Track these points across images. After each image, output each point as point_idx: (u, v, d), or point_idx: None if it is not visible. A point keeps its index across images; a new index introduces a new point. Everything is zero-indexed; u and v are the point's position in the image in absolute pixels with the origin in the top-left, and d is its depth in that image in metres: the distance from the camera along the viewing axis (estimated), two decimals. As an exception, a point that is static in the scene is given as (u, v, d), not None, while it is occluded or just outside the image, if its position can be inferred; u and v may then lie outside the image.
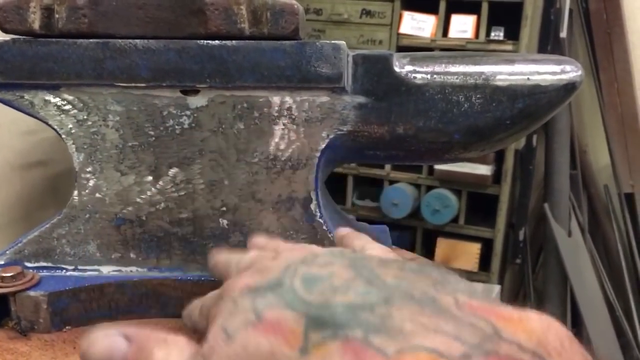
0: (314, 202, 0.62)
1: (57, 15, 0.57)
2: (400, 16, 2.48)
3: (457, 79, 0.60)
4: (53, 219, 0.63)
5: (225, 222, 0.63)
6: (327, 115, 0.61)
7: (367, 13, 2.51)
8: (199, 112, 0.61)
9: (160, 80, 0.59)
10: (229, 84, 0.59)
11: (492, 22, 2.40)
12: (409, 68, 0.61)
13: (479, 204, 2.53)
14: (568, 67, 0.62)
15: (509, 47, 2.35)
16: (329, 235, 0.62)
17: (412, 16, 2.48)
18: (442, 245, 2.54)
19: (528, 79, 0.61)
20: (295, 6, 0.58)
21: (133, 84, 0.59)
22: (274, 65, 0.59)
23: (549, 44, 2.46)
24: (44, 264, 0.63)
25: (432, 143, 0.62)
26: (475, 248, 2.52)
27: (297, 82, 0.59)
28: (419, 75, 0.60)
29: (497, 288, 2.32)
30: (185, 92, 0.61)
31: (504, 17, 2.41)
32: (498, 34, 2.40)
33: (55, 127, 0.61)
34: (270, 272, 0.35)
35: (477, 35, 2.41)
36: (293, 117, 0.61)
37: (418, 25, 2.48)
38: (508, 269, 2.72)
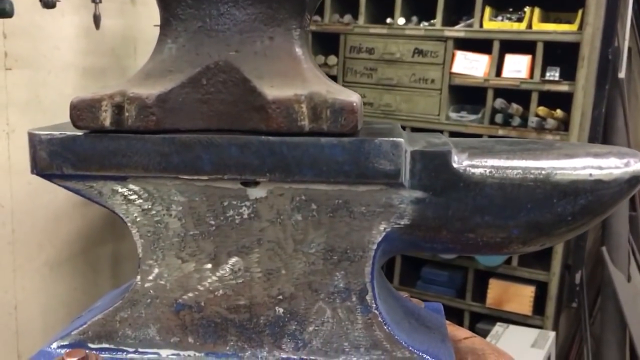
0: (370, 293, 0.63)
1: (127, 114, 0.59)
2: (453, 55, 2.47)
3: (516, 174, 0.60)
4: (116, 303, 0.65)
5: (281, 310, 0.64)
6: (384, 209, 0.61)
7: (420, 52, 2.52)
8: (259, 203, 0.62)
9: (222, 173, 0.61)
10: (288, 177, 0.61)
11: (548, 62, 2.36)
12: (467, 163, 0.60)
13: (532, 245, 2.47)
14: (632, 161, 0.61)
15: (564, 87, 2.31)
16: (384, 327, 0.62)
17: (465, 55, 2.47)
18: (495, 287, 2.48)
19: (590, 174, 0.59)
20: (355, 104, 0.59)
21: (196, 177, 0.61)
22: (333, 160, 0.60)
23: (607, 83, 2.40)
24: (107, 345, 0.65)
25: (490, 238, 0.61)
26: (529, 291, 2.45)
27: (354, 178, 0.60)
28: (477, 171, 0.60)
29: (552, 335, 2.25)
30: (246, 184, 0.62)
31: (560, 57, 2.37)
32: (553, 74, 2.36)
33: (122, 215, 0.63)
34: None
35: (531, 75, 2.38)
36: (350, 210, 0.61)
37: (471, 64, 2.46)
38: (563, 312, 2.64)
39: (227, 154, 0.60)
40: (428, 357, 0.62)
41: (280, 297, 0.64)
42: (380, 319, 0.63)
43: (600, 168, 0.60)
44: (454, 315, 2.43)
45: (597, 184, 0.60)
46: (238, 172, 0.61)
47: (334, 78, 2.57)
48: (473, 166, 0.60)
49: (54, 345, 0.65)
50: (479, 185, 0.60)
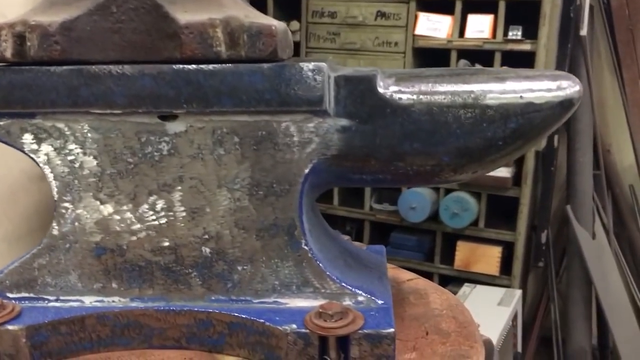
0: (299, 228, 0.60)
1: (28, 43, 0.55)
2: (416, 17, 2.44)
3: (444, 98, 0.57)
4: (33, 249, 0.61)
5: (207, 250, 0.61)
6: (309, 140, 0.58)
7: (382, 15, 2.48)
8: (178, 137, 0.59)
9: (137, 106, 0.58)
10: (207, 108, 0.58)
11: (510, 22, 2.34)
12: (394, 88, 0.58)
13: (499, 206, 2.48)
14: (564, 83, 0.58)
15: (527, 46, 2.30)
16: (315, 263, 0.60)
17: (428, 17, 2.43)
18: (462, 249, 2.49)
19: (521, 97, 0.57)
20: (273, 27, 0.56)
21: (109, 111, 0.58)
22: (253, 88, 0.57)
23: (569, 42, 2.40)
24: (26, 294, 0.61)
25: (420, 166, 0.59)
26: (496, 251, 2.46)
27: (277, 106, 0.57)
28: (404, 96, 0.58)
29: (518, 293, 2.27)
30: (164, 118, 0.59)
31: (522, 16, 2.35)
32: (516, 33, 2.34)
33: (32, 155, 0.60)
34: None
35: (494, 35, 2.36)
36: (275, 141, 0.59)
37: (434, 26, 2.43)
38: (530, 272, 2.66)
39: (140, 86, 0.57)
40: (361, 292, 0.60)
41: (206, 236, 0.61)
42: (310, 254, 0.60)
43: (532, 90, 0.58)
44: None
45: (528, 107, 0.57)
46: (153, 105, 0.58)
47: (297, 44, 2.52)
48: (400, 91, 0.58)
49: (-31, 296, 0.62)
50: (407, 110, 0.57)
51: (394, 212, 2.58)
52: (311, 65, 0.56)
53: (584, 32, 2.34)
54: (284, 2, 2.62)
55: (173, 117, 0.59)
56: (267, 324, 0.58)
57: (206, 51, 0.56)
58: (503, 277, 2.47)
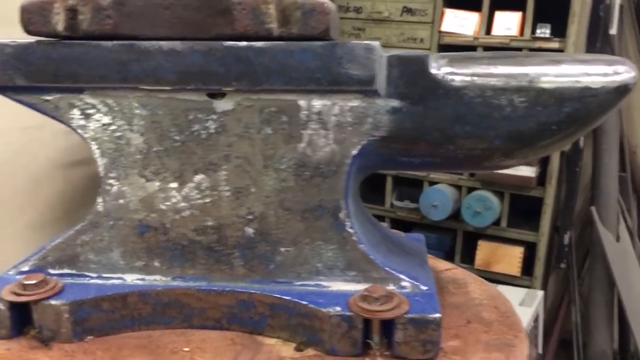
0: (344, 210, 0.59)
1: (81, 17, 0.55)
2: (442, 14, 2.42)
3: (498, 81, 0.56)
4: (77, 226, 0.61)
5: (251, 230, 0.60)
6: (359, 120, 0.57)
7: (408, 11, 2.46)
8: (225, 116, 0.58)
9: (186, 83, 0.57)
10: (256, 87, 0.57)
11: (538, 19, 2.31)
12: (446, 70, 0.57)
13: (522, 206, 2.45)
14: (621, 68, 0.57)
15: (555, 44, 2.27)
16: (359, 247, 0.59)
17: (455, 13, 2.41)
18: (483, 249, 2.47)
19: (577, 81, 0.56)
20: (326, 5, 0.55)
21: (158, 87, 0.57)
22: (303, 67, 0.56)
23: (598, 41, 2.36)
24: (68, 271, 0.61)
25: (471, 150, 0.58)
26: (517, 252, 2.43)
27: (327, 85, 0.56)
28: (457, 78, 0.57)
29: (540, 294, 2.24)
30: (212, 96, 0.58)
31: (551, 13, 2.32)
32: (544, 31, 2.32)
33: (80, 131, 0.59)
34: None
35: (522, 32, 2.33)
36: (323, 121, 0.58)
37: (460, 22, 2.41)
38: (552, 273, 2.63)
39: (190, 62, 0.57)
40: (405, 277, 0.59)
41: (250, 216, 0.60)
42: (355, 237, 0.60)
43: (588, 75, 0.57)
44: (443, 277, 2.42)
45: (584, 91, 0.56)
46: (202, 82, 0.57)
47: (320, 38, 2.51)
48: (453, 73, 0.57)
49: (12, 271, 0.62)
50: (459, 92, 0.56)
51: (415, 210, 2.56)
52: (364, 44, 0.55)
53: (613, 31, 2.31)
54: (310, -4, 2.61)
55: (221, 95, 0.58)
56: (310, 305, 0.57)
57: (258, 28, 0.55)
58: (524, 277, 2.44)
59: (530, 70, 0.56)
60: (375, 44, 0.55)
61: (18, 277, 0.61)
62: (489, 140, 0.57)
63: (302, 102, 0.57)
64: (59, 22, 0.55)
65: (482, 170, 2.23)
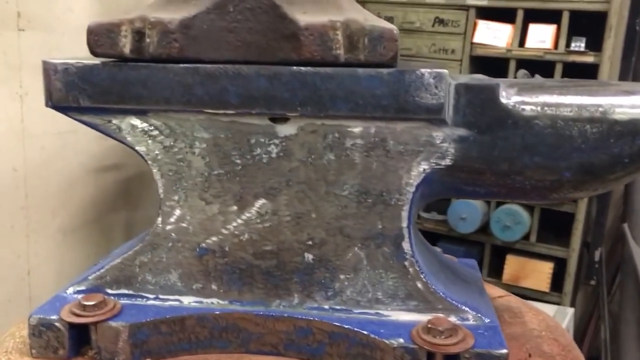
0: (406, 239, 0.58)
1: (148, 40, 0.55)
2: (475, 25, 2.40)
3: (570, 111, 0.55)
4: (136, 246, 0.61)
5: (310, 256, 0.59)
6: (424, 148, 0.57)
7: (440, 22, 2.45)
8: (288, 140, 0.58)
9: (250, 107, 0.57)
10: (321, 112, 0.56)
11: (573, 32, 2.29)
12: (516, 99, 0.56)
13: (552, 221, 2.42)
14: (697, 100, 0.55)
15: (590, 58, 2.24)
16: (421, 276, 0.58)
17: (487, 25, 2.39)
18: (512, 263, 2.44)
19: (651, 112, 0.54)
20: (395, 31, 0.54)
21: (222, 111, 0.57)
22: (370, 94, 0.55)
23: (634, 55, 2.33)
24: (125, 291, 0.61)
25: (539, 181, 0.56)
26: (547, 267, 2.40)
27: (393, 113, 0.55)
28: (527, 107, 0.55)
29: (570, 311, 2.21)
30: (275, 120, 0.58)
31: (586, 27, 2.29)
32: (579, 44, 2.29)
33: (142, 152, 0.59)
34: None
35: (556, 45, 2.30)
36: (387, 148, 0.57)
37: (493, 34, 2.39)
38: (581, 290, 2.59)
39: (255, 86, 0.56)
40: (467, 308, 0.58)
41: (310, 242, 0.59)
42: (416, 267, 0.59)
43: (662, 106, 0.55)
44: (471, 291, 2.39)
45: (658, 124, 0.55)
46: (267, 107, 0.57)
47: (351, 47, 2.51)
48: (523, 102, 0.55)
49: (70, 290, 0.61)
50: (529, 122, 0.55)
51: (442, 222, 2.54)
52: (433, 72, 0.54)
53: (650, 45, 2.27)
54: (341, 5, 2.60)
55: (284, 120, 0.58)
56: (372, 336, 0.56)
57: (325, 54, 0.55)
58: (553, 293, 2.41)
59: (603, 101, 0.55)
60: (444, 71, 0.54)
61: (75, 295, 0.61)
62: (559, 171, 0.56)
63: (367, 129, 0.57)
64: (126, 45, 0.55)
65: (548, 202, 2.20)
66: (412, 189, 0.58)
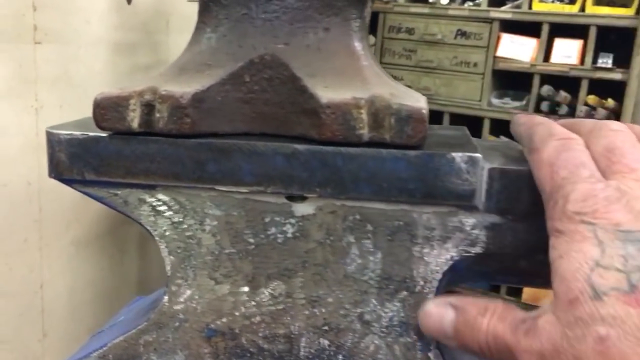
0: (430, 328, 0.54)
1: (157, 115, 0.51)
2: (498, 38, 2.34)
3: (614, 201, 0.50)
4: (140, 324, 0.57)
5: (326, 342, 0.55)
6: (452, 235, 0.52)
7: (463, 34, 2.39)
8: (305, 220, 0.54)
9: (265, 185, 0.53)
10: (342, 194, 0.52)
11: (601, 48, 2.22)
12: (554, 185, 0.51)
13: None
14: None
15: (618, 75, 2.17)
16: (445, 370, 0.54)
17: (512, 38, 2.33)
18: (530, 283, 2.38)
19: None
20: (424, 111, 0.50)
21: (235, 189, 0.53)
22: (395, 177, 0.51)
23: (664, 73, 2.25)
24: (129, 371, 0.58)
25: (578, 274, 0.52)
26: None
27: (420, 197, 0.51)
28: (567, 196, 0.50)
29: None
30: (291, 199, 0.54)
31: (614, 43, 2.23)
32: (606, 60, 2.22)
33: (149, 228, 0.55)
34: None
35: (582, 61, 2.24)
36: (412, 233, 0.53)
37: (517, 48, 2.33)
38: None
39: (271, 165, 0.52)
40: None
41: (326, 327, 0.55)
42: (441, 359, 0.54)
43: None
44: (487, 311, 2.34)
45: None
46: (283, 186, 0.53)
47: (371, 58, 2.46)
48: (561, 189, 0.51)
49: (71, 368, 0.58)
50: (568, 212, 0.50)
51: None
52: (465, 155, 0.50)
53: (681, 64, 2.19)
54: (361, 15, 2.55)
55: (302, 198, 0.54)
56: None
57: (348, 133, 0.50)
58: (572, 315, 2.35)
59: None
60: (478, 155, 0.50)
61: (76, 374, 0.58)
62: (600, 266, 0.51)
63: (390, 212, 0.52)
64: (134, 119, 0.51)
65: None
66: (439, 277, 0.53)
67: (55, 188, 2.07)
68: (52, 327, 1.93)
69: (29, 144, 1.77)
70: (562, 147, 0.43)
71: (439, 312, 0.44)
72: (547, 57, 2.30)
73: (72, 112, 1.74)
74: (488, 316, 0.41)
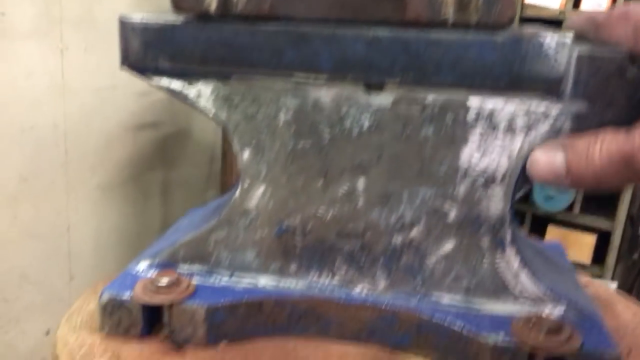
0: (506, 224, 0.53)
1: (235, -5, 0.49)
2: (528, -16, 2.28)
3: None
4: (211, 222, 0.57)
5: (399, 239, 0.55)
6: (536, 124, 0.51)
7: (491, -20, 2.32)
8: (382, 112, 0.52)
9: (344, 72, 0.51)
10: (423, 81, 0.50)
11: (633, -6, 2.16)
12: (645, 72, 0.49)
13: (597, 192, 2.34)
14: None
15: (650, 22, 2.11)
16: (519, 266, 0.53)
17: (541, -15, 2.27)
18: (553, 234, 2.38)
19: None
20: (513, -9, 0.48)
21: (313, 76, 0.52)
22: (480, 62, 0.49)
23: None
24: (199, 268, 0.57)
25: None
26: (590, 239, 2.34)
27: (505, 84, 0.49)
28: (658, 83, 0.49)
29: (613, 285, 2.15)
30: (368, 89, 0.52)
31: (648, -12, 2.16)
32: (639, 7, 2.16)
33: (223, 121, 0.54)
34: None
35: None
36: (494, 124, 0.51)
37: (547, -6, 2.27)
38: (620, 263, 2.53)
39: (351, 50, 0.50)
40: (567, 302, 0.53)
41: (399, 225, 0.55)
42: (515, 256, 0.53)
43: None
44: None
45: None
46: (363, 73, 0.51)
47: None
48: (652, 76, 0.49)
49: (141, 265, 0.58)
50: (659, 99, 0.49)
51: (482, 189, 2.47)
52: (555, 38, 0.48)
53: None
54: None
55: (379, 88, 0.52)
56: (465, 330, 0.51)
57: (433, 15, 0.49)
58: (594, 266, 2.36)
59: None
60: (568, 39, 0.48)
61: (147, 271, 0.57)
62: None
63: (472, 101, 0.51)
64: (212, 2, 0.49)
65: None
66: (518, 170, 0.52)
67: (81, 132, 2.05)
68: (79, 270, 1.95)
69: (55, 85, 1.75)
70: None
71: (548, 156, 0.45)
72: (577, 4, 2.24)
73: (96, 55, 1.72)
74: (599, 142, 0.42)
